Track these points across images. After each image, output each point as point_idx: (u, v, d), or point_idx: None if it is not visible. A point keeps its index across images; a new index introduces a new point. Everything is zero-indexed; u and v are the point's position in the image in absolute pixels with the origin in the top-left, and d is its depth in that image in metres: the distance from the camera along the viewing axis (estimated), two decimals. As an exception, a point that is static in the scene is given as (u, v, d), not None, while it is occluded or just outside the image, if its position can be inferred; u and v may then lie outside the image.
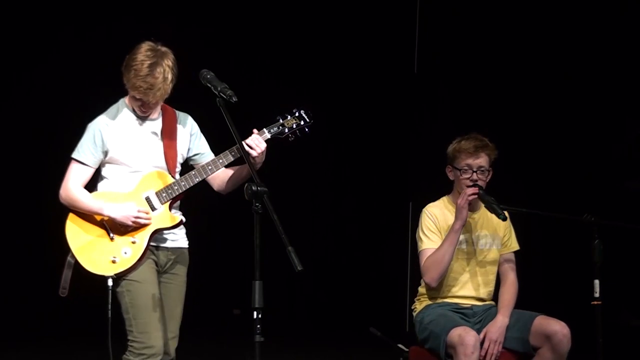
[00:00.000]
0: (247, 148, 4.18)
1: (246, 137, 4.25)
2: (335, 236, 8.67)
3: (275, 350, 5.12)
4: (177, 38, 4.51)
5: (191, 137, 4.38)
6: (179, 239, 4.36)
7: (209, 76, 3.95)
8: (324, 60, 8.50)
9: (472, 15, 7.79)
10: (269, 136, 4.28)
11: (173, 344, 4.32)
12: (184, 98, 4.33)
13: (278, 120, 4.36)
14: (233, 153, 4.25)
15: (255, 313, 3.51)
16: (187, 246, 4.39)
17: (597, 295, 4.54)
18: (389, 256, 8.37)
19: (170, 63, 4.13)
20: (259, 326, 3.50)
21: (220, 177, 4.36)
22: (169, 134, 4.29)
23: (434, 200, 4.91)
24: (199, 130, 4.42)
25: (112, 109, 4.28)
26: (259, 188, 3.57)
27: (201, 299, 8.71)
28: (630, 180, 6.94)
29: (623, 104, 7.15)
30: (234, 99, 3.85)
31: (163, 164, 4.29)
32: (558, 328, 4.54)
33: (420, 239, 4.78)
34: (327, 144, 8.62)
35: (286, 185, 8.31)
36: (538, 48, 7.47)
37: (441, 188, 4.88)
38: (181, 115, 4.37)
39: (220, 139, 4.31)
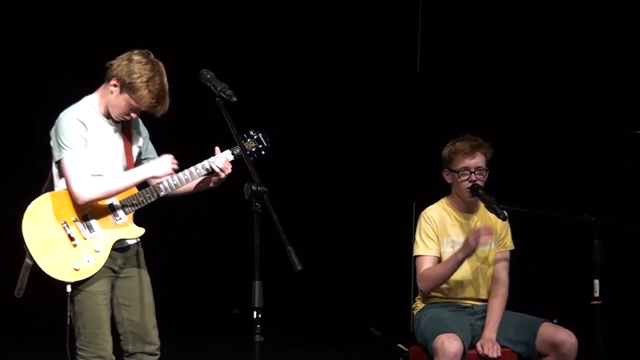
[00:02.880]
0: (216, 169, 4.23)
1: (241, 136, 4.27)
2: (335, 235, 8.67)
3: (275, 350, 5.12)
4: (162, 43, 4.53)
5: (143, 141, 4.39)
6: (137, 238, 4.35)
7: (208, 76, 3.95)
8: (326, 59, 8.49)
9: (475, 15, 7.79)
10: (231, 158, 4.26)
11: (155, 333, 4.34)
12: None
13: (242, 140, 4.32)
14: (198, 171, 4.26)
15: (255, 313, 3.51)
16: (138, 240, 4.36)
17: (597, 295, 4.53)
18: (391, 256, 8.36)
19: (164, 71, 4.14)
20: (259, 326, 3.50)
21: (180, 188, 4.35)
22: (127, 138, 4.29)
23: (436, 199, 4.91)
24: (148, 134, 4.43)
25: (78, 108, 4.20)
26: (258, 188, 3.56)
27: (201, 299, 8.75)
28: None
29: (623, 103, 7.14)
30: (234, 98, 3.84)
31: (125, 169, 4.28)
32: (566, 337, 4.56)
33: (417, 243, 4.77)
34: (329, 144, 8.62)
35: (286, 184, 8.31)
36: (539, 48, 7.47)
37: (444, 188, 4.88)
38: (138, 123, 4.36)
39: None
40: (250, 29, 8.42)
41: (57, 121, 4.18)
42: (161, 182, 4.25)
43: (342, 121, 8.55)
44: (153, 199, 4.24)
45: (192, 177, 4.27)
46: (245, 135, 4.37)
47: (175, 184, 4.25)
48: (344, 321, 8.22)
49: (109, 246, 4.18)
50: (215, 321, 8.49)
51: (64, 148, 4.10)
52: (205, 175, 4.30)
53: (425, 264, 4.73)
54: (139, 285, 4.32)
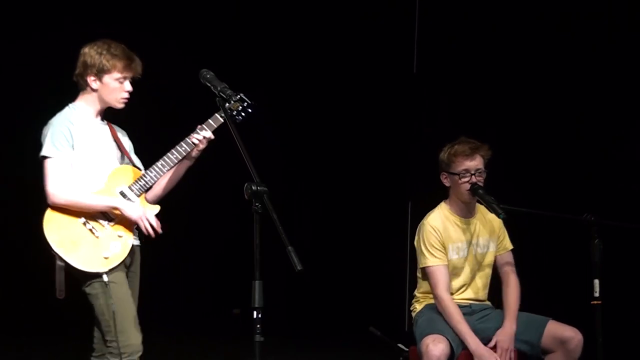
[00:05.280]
0: (196, 141, 4.30)
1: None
2: (334, 235, 8.67)
3: (275, 350, 5.12)
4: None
5: (130, 147, 4.49)
6: (136, 237, 4.41)
7: (208, 76, 3.97)
8: (322, 60, 8.49)
9: (472, 15, 7.79)
10: (222, 120, 4.32)
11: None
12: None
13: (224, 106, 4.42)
14: (193, 139, 4.32)
15: (255, 313, 3.51)
16: (140, 245, 4.44)
17: (597, 295, 4.53)
18: (388, 256, 8.37)
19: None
20: (259, 326, 3.50)
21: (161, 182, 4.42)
22: (118, 138, 4.40)
23: (433, 199, 4.90)
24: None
25: (66, 112, 4.31)
26: (258, 188, 3.56)
27: (201, 299, 8.76)
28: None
29: (624, 103, 7.14)
30: (234, 98, 3.85)
31: (125, 160, 4.38)
32: (573, 334, 4.59)
33: (424, 255, 4.75)
34: (326, 144, 8.62)
35: (286, 184, 8.31)
36: (538, 48, 7.47)
37: (440, 188, 4.87)
38: (119, 128, 4.47)
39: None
40: (249, 29, 8.42)
41: (49, 123, 4.28)
42: (162, 160, 4.32)
43: (340, 121, 8.55)
44: (159, 176, 4.32)
45: (189, 147, 4.32)
46: (229, 100, 4.40)
47: (175, 157, 4.31)
48: (344, 321, 8.22)
49: (130, 229, 4.27)
50: (215, 321, 8.49)
51: (50, 147, 4.20)
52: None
53: (438, 274, 4.72)
54: (132, 291, 4.37)
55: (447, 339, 4.51)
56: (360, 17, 8.39)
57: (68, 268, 4.16)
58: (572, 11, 7.25)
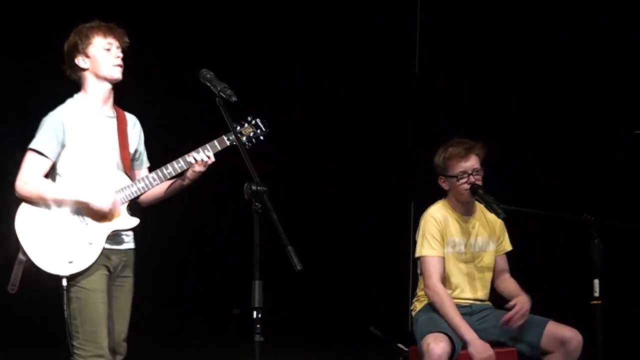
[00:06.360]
0: (198, 159, 4.26)
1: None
2: (335, 235, 8.67)
3: (275, 350, 5.12)
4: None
5: (139, 140, 4.44)
6: (130, 241, 4.36)
7: (208, 75, 3.96)
8: (323, 60, 8.49)
9: (474, 14, 7.79)
10: (228, 143, 4.30)
11: (125, 345, 4.34)
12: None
13: (235, 128, 4.36)
14: (190, 158, 4.28)
15: (255, 313, 3.51)
16: (134, 247, 4.39)
17: (597, 295, 4.54)
18: (389, 256, 8.36)
19: None
20: (258, 326, 3.50)
21: (156, 189, 4.38)
22: (122, 134, 4.33)
23: (436, 199, 4.90)
24: (143, 144, 4.49)
25: (68, 104, 4.28)
26: (258, 187, 3.56)
27: (201, 299, 8.76)
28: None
29: (624, 103, 7.14)
30: (234, 98, 3.85)
31: (119, 163, 4.31)
32: (573, 335, 4.59)
33: (422, 244, 4.76)
34: (328, 144, 8.62)
35: (286, 184, 8.31)
36: (538, 48, 7.46)
37: (442, 188, 4.88)
38: (131, 117, 4.43)
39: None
40: (248, 29, 8.42)
41: (47, 115, 4.24)
42: (155, 172, 4.29)
43: (341, 121, 8.55)
44: (147, 189, 4.28)
45: (185, 165, 4.28)
46: (242, 122, 4.40)
47: (169, 172, 4.28)
48: (344, 321, 8.22)
49: (102, 238, 4.19)
50: (215, 321, 8.49)
51: (36, 142, 4.17)
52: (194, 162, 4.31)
53: (433, 264, 4.72)
54: (123, 295, 4.34)
55: (449, 338, 4.51)
56: (362, 17, 8.39)
57: (29, 266, 4.08)
58: (572, 11, 7.24)
